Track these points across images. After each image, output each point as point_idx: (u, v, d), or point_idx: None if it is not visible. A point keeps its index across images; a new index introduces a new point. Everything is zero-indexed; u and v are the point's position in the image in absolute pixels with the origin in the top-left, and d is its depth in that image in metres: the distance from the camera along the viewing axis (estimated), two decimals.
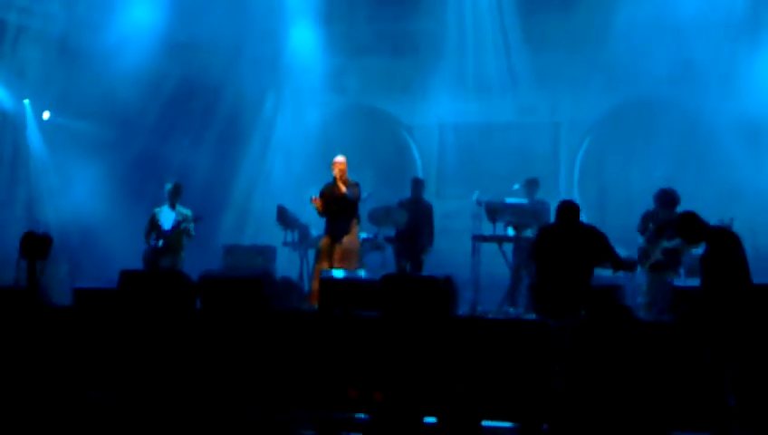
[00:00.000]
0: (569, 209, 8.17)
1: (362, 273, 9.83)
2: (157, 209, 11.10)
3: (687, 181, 11.77)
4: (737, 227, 8.28)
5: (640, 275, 9.77)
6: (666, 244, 9.57)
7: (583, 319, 7.59)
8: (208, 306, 8.97)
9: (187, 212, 11.08)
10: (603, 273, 8.85)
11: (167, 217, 11.02)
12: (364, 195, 10.38)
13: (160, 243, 10.89)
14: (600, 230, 8.16)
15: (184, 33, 14.11)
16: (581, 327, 7.44)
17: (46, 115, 14.49)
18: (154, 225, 11.03)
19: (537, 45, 13.79)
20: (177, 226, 10.98)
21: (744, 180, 12.52)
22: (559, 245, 8.03)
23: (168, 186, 11.10)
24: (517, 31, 14.01)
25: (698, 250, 9.78)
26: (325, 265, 9.92)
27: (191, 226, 11.01)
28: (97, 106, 14.24)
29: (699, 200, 11.10)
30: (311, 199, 10.23)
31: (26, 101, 14.31)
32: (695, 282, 8.88)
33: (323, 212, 10.26)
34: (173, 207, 11.06)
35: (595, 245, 8.01)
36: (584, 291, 7.87)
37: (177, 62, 14.30)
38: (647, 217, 9.90)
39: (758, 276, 7.61)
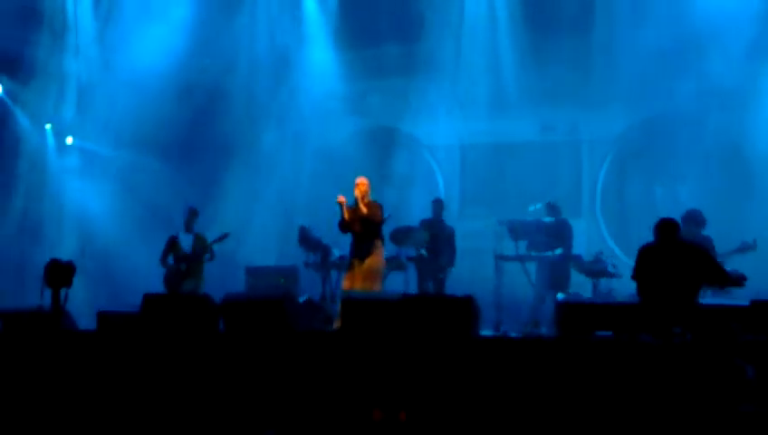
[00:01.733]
0: (668, 227, 7.95)
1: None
2: (176, 234, 11.45)
3: (711, 198, 11.69)
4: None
5: None
6: None
7: (689, 339, 7.37)
8: (231, 328, 8.97)
9: (205, 236, 11.43)
10: None
11: (186, 242, 11.36)
12: (385, 215, 10.35)
13: (183, 266, 11.10)
14: (702, 246, 7.92)
15: (203, 59, 14.28)
16: (687, 348, 7.22)
17: (69, 140, 14.62)
18: (174, 248, 11.36)
19: (557, 64, 13.73)
20: (196, 249, 11.31)
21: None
22: (662, 264, 7.80)
23: (186, 210, 11.51)
24: (536, 49, 13.96)
25: None
26: (348, 286, 9.90)
27: (213, 247, 11.33)
28: (119, 131, 14.40)
29: (723, 218, 11.07)
30: (338, 200, 10.18)
31: (48, 127, 14.45)
32: (719, 300, 8.82)
33: (345, 221, 10.21)
34: (190, 231, 11.42)
35: (700, 262, 7.76)
36: (690, 310, 7.60)
37: (199, 87, 14.46)
38: None
39: None
